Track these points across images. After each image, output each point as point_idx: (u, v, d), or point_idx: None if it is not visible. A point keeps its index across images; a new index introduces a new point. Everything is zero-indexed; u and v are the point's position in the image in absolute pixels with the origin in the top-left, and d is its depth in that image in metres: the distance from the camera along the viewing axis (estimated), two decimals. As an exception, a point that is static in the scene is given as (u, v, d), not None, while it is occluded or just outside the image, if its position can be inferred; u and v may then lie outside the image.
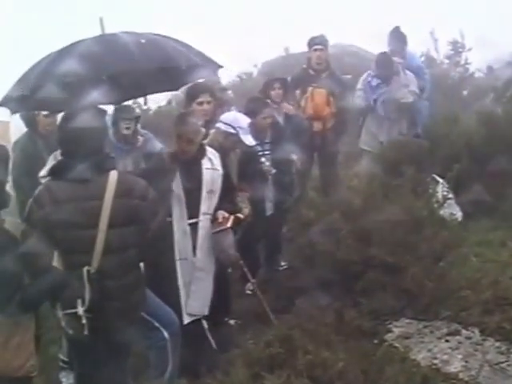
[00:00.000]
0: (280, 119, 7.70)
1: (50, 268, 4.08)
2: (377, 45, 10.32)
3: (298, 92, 8.29)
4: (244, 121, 6.03)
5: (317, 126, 8.25)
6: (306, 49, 8.75)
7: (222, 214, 5.52)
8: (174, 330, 4.92)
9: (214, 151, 5.65)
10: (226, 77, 10.28)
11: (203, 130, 5.46)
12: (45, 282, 4.12)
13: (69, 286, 4.14)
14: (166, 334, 4.84)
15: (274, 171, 6.92)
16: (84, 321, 4.13)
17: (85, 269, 4.15)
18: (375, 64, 8.81)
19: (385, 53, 8.78)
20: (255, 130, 6.84)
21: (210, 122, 6.22)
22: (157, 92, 6.17)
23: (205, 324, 5.46)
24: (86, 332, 4.15)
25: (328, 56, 8.64)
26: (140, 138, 6.73)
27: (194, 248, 5.44)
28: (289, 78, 8.24)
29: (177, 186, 5.37)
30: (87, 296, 4.14)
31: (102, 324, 4.21)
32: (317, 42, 8.53)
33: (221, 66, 5.76)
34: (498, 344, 5.26)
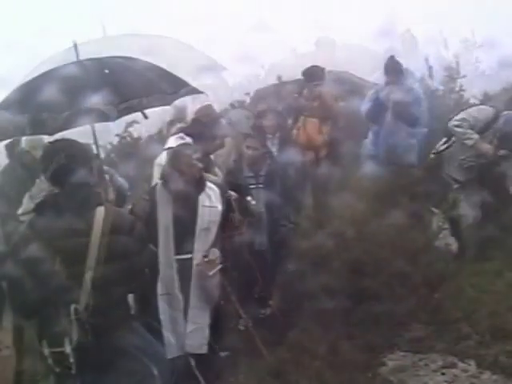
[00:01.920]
0: (274, 149, 7.65)
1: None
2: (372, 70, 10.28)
3: (289, 121, 8.23)
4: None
5: (309, 155, 8.19)
6: (312, 48, 8.72)
7: (213, 252, 5.38)
8: (164, 367, 4.80)
9: (213, 186, 5.53)
10: (232, 78, 10.22)
11: (199, 164, 5.40)
12: None
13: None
14: (155, 371, 4.72)
15: (261, 210, 6.79)
16: (72, 359, 4.03)
17: (72, 307, 4.05)
18: (384, 70, 8.72)
19: (392, 57, 8.71)
20: (250, 163, 6.86)
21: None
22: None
23: (192, 361, 5.33)
24: (74, 371, 4.05)
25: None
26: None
27: (189, 284, 5.31)
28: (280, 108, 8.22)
29: (166, 216, 5.28)
30: (75, 335, 4.04)
31: (90, 362, 4.10)
32: (320, 77, 8.48)
33: (197, 91, 5.78)
34: (495, 377, 5.21)
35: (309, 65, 8.69)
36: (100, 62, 5.53)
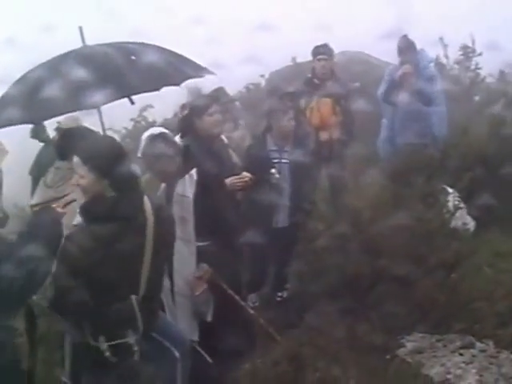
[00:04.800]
0: None
1: None
2: (386, 51, 10.20)
3: (302, 102, 8.16)
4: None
5: (323, 135, 8.14)
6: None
7: (201, 268, 5.35)
8: (185, 350, 4.80)
9: (193, 173, 5.43)
10: (232, 88, 10.20)
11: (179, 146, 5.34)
12: None
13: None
14: (176, 354, 4.72)
15: (284, 185, 6.74)
16: (136, 348, 4.17)
17: (133, 297, 4.15)
18: (398, 49, 8.65)
19: (405, 36, 8.63)
20: (279, 136, 6.77)
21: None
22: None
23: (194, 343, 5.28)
24: (136, 357, 4.20)
25: (333, 65, 8.54)
26: None
27: (171, 269, 5.23)
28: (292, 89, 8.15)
29: None
30: (140, 324, 4.18)
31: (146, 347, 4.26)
32: (320, 52, 8.43)
33: (212, 73, 5.73)
34: (513, 356, 5.14)
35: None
36: (123, 48, 5.43)
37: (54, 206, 4.10)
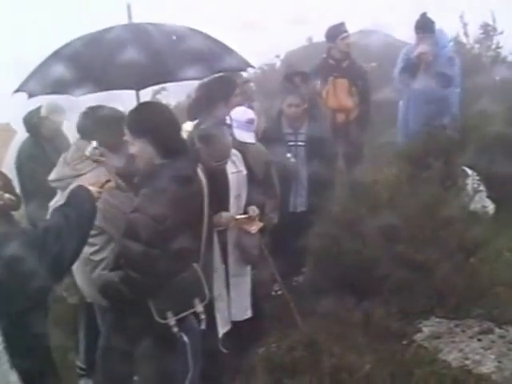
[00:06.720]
0: None
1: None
2: (405, 30, 10.06)
3: (318, 83, 8.07)
4: (243, 115, 5.72)
5: (340, 117, 8.05)
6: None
7: (252, 209, 5.33)
8: (194, 335, 4.75)
9: (235, 151, 5.39)
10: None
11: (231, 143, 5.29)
12: None
13: None
14: (185, 339, 4.68)
15: (301, 168, 6.68)
16: (203, 316, 4.28)
17: (196, 266, 4.24)
18: (415, 28, 8.52)
19: (424, 14, 8.49)
20: (290, 117, 6.79)
21: None
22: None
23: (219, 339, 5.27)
24: (203, 326, 4.33)
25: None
26: None
27: (226, 255, 5.24)
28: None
29: None
30: (206, 290, 4.29)
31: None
32: (343, 30, 8.31)
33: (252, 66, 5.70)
34: (532, 343, 5.08)
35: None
36: (167, 29, 5.39)
37: (90, 187, 3.94)
